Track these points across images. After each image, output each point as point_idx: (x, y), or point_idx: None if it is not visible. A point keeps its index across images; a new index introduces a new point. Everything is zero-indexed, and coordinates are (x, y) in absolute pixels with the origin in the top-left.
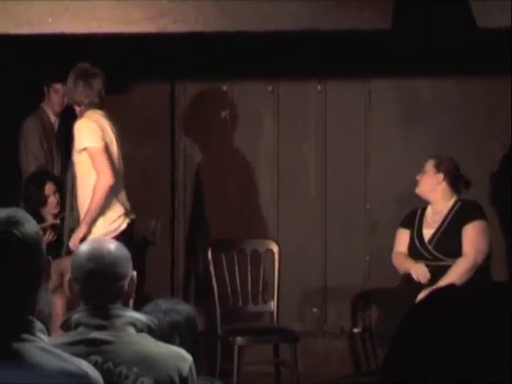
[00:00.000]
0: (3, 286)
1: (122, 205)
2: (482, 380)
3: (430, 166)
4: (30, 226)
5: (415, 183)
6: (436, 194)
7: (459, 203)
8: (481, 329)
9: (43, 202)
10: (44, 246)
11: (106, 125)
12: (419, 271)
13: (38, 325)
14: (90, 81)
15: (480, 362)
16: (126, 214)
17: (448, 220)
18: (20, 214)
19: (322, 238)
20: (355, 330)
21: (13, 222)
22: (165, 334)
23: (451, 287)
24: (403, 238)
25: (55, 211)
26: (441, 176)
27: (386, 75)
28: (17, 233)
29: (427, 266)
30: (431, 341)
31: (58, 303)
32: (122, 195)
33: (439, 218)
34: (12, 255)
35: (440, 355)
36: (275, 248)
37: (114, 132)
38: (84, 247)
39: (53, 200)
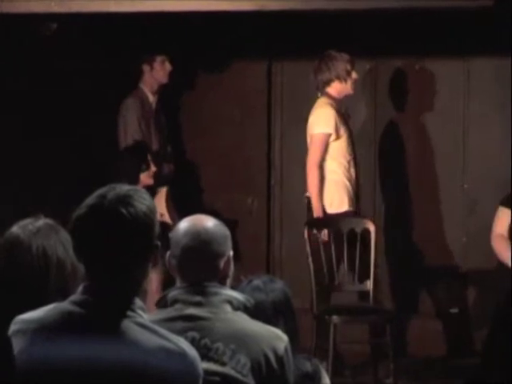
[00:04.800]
0: (112, 262)
1: None
2: None
3: None
4: (143, 208)
5: None
6: None
7: None
8: None
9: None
10: (156, 229)
11: None
12: None
13: (138, 302)
14: None
15: None
16: None
17: None
18: (138, 194)
19: None
20: (452, 311)
21: (125, 202)
22: (269, 314)
23: None
24: (504, 218)
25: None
26: None
27: None
28: (124, 212)
29: None
30: None
31: (153, 279)
32: None
33: None
34: (119, 233)
35: None
36: (371, 227)
37: None
38: (183, 223)
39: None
